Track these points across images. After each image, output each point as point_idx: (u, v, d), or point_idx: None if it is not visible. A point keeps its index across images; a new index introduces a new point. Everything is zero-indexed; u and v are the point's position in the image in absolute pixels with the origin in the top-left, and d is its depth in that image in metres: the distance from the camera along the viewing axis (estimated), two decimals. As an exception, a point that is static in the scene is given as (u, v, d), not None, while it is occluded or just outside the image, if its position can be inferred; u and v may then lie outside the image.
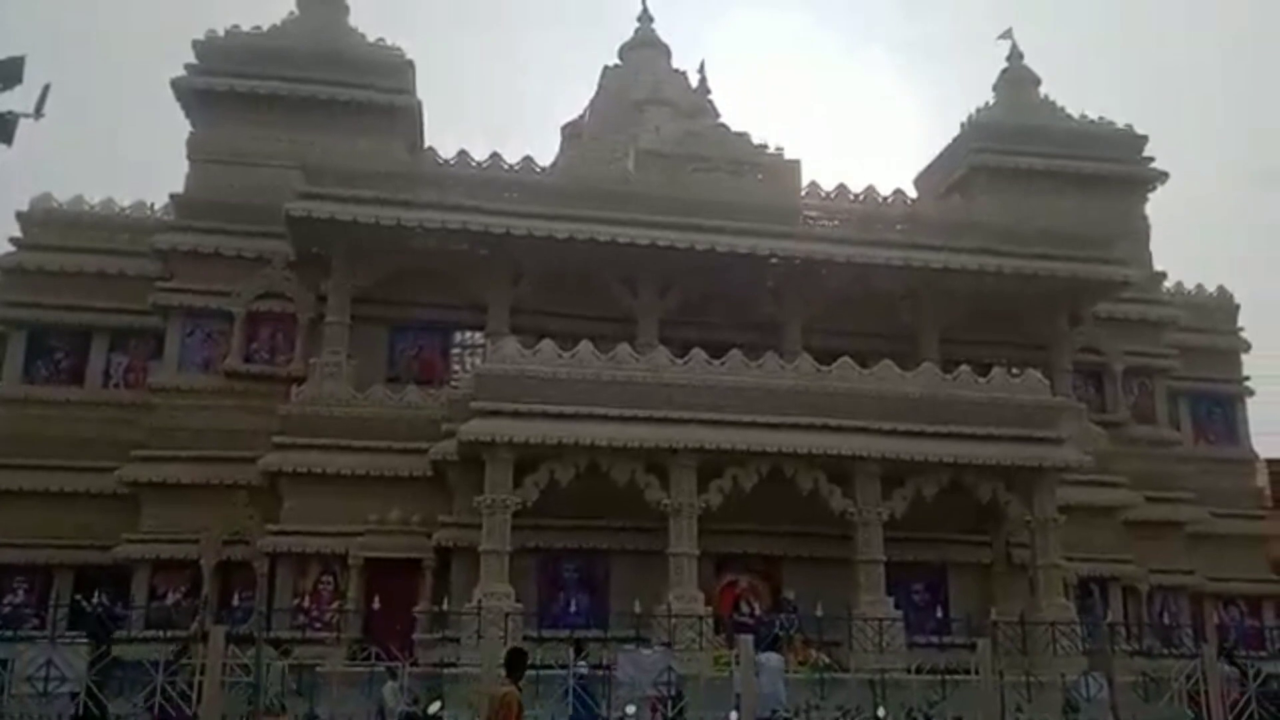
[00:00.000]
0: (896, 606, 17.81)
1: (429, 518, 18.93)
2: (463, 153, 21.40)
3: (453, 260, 21.22)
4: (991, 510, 19.17)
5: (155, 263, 22.28)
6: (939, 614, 18.79)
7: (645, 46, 30.62)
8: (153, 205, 23.86)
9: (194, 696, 11.37)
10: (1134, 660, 15.60)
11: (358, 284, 21.19)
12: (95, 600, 17.52)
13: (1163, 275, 26.18)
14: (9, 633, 16.93)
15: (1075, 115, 27.09)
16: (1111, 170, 26.12)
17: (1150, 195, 26.86)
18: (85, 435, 21.33)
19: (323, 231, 20.62)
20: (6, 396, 22.35)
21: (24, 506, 20.69)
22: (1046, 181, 25.43)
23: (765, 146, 23.68)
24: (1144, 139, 26.81)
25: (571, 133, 29.95)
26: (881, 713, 11.90)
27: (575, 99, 35.44)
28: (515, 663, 8.72)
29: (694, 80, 27.93)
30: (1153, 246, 26.30)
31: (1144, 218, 26.60)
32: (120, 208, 23.87)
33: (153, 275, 22.23)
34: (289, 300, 21.95)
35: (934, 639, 17.70)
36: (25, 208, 23.39)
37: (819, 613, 16.14)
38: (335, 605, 18.49)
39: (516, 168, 21.49)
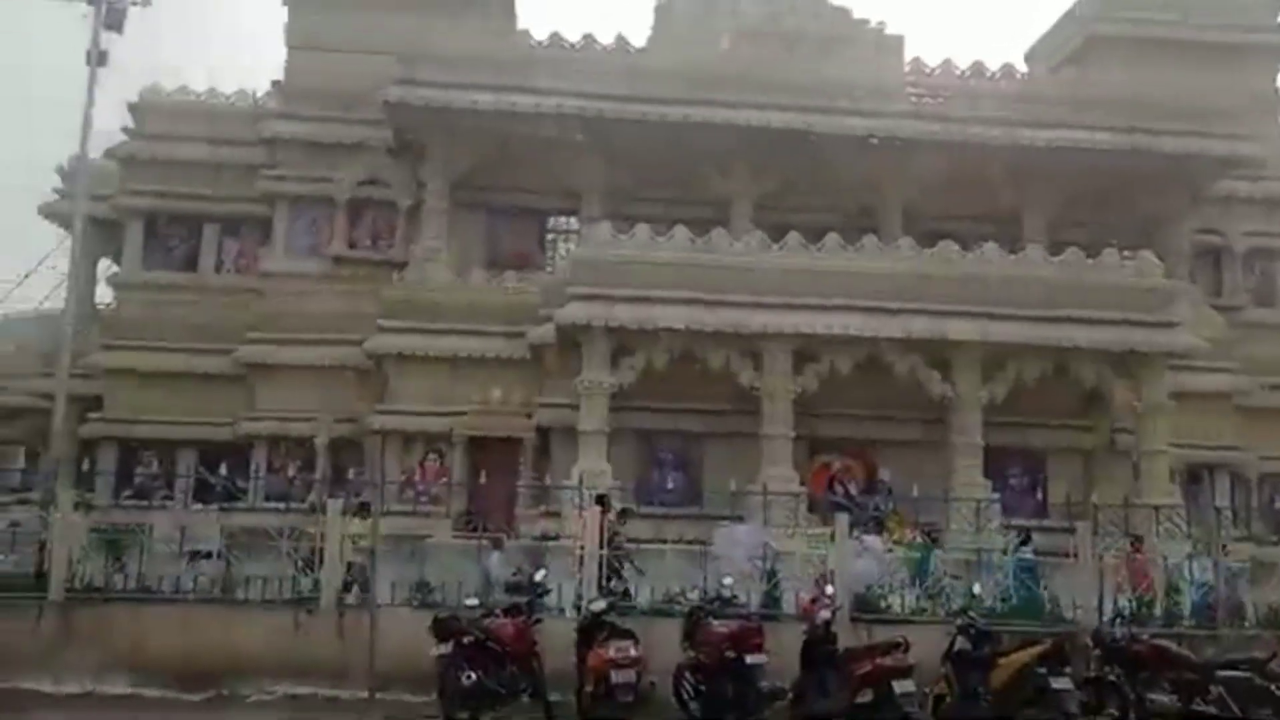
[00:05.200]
0: (994, 490, 17.76)
1: (528, 398, 19.43)
2: (555, 35, 21.16)
3: (547, 145, 21.17)
4: (1096, 395, 18.77)
5: (261, 151, 22.78)
6: (1038, 498, 18.64)
7: (741, -81, 29.41)
8: (255, 93, 24.27)
9: (316, 562, 12.05)
10: (1241, 546, 15.30)
11: (454, 170, 21.41)
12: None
13: (1291, 150, 24.68)
14: (143, 502, 18.15)
15: (1202, -21, 25.30)
16: (1239, 39, 24.47)
17: (1282, 65, 25.20)
18: (201, 319, 22.21)
19: (419, 117, 20.76)
20: (126, 282, 23.44)
21: (149, 386, 21.76)
22: (1168, 51, 23.89)
23: (866, 21, 22.88)
24: (1277, 3, 24.95)
25: (666, 12, 29.17)
26: (977, 589, 11.96)
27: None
28: None
29: (792, -48, 26.81)
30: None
31: (1274, 91, 24.97)
32: (224, 96, 24.33)
33: (259, 163, 22.77)
34: (389, 187, 22.31)
35: (1032, 522, 17.59)
36: (136, 98, 24.02)
37: (915, 494, 16.16)
38: (441, 481, 19.25)
39: (610, 49, 21.19)
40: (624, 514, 13.92)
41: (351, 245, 22.38)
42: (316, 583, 11.86)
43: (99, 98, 20.65)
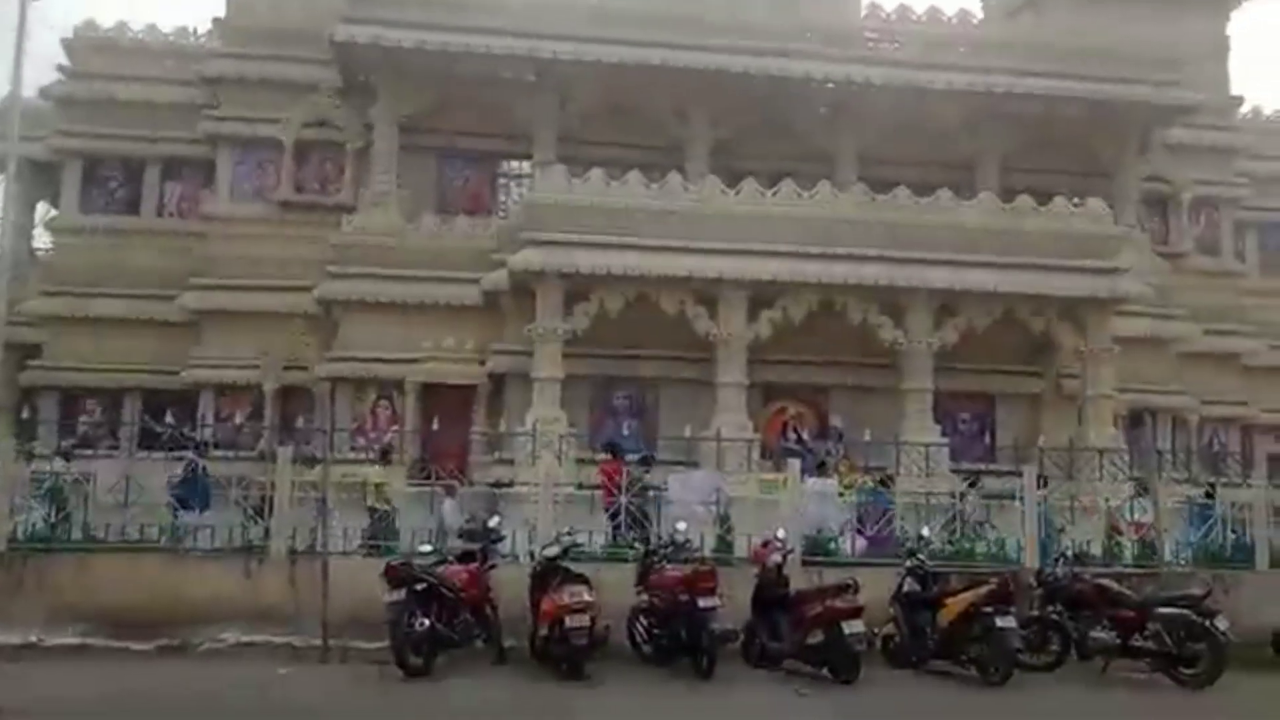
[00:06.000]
0: (943, 435, 18.03)
1: (482, 345, 19.29)
2: (509, -28, 20.63)
3: (499, 87, 20.79)
4: (1043, 340, 19.04)
5: (203, 90, 22.10)
6: (986, 442, 18.96)
7: None
8: (195, 30, 23.48)
9: (265, 511, 11.94)
10: (1180, 487, 15.70)
11: (404, 111, 20.93)
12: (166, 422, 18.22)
13: (1239, 100, 24.98)
14: (87, 451, 17.78)
15: (1159, -74, 25.26)
16: (1194, -14, 24.54)
17: (1232, 14, 25.33)
18: (144, 264, 21.63)
19: (368, 57, 20.27)
20: (65, 226, 22.76)
21: (90, 332, 21.28)
22: (1124, -1, 23.93)
23: (823, -36, 22.46)
24: (1231, -49, 25.06)
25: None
26: (925, 531, 12.16)
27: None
28: None
29: (749, -109, 26.34)
30: (1233, 68, 25.04)
31: (1224, 38, 25.15)
32: (164, 34, 23.49)
33: (201, 103, 22.09)
34: (337, 129, 21.78)
35: (980, 466, 17.89)
36: (69, 35, 23.11)
37: (866, 439, 16.34)
38: (393, 428, 19.09)
39: (564, -13, 20.74)
40: (646, 461, 13.91)
41: (298, 189, 21.82)
42: (267, 531, 11.76)
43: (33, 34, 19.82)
